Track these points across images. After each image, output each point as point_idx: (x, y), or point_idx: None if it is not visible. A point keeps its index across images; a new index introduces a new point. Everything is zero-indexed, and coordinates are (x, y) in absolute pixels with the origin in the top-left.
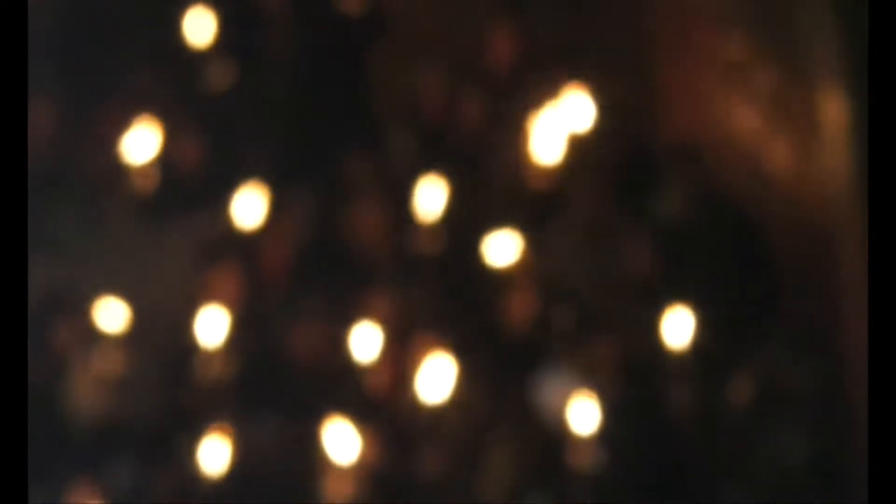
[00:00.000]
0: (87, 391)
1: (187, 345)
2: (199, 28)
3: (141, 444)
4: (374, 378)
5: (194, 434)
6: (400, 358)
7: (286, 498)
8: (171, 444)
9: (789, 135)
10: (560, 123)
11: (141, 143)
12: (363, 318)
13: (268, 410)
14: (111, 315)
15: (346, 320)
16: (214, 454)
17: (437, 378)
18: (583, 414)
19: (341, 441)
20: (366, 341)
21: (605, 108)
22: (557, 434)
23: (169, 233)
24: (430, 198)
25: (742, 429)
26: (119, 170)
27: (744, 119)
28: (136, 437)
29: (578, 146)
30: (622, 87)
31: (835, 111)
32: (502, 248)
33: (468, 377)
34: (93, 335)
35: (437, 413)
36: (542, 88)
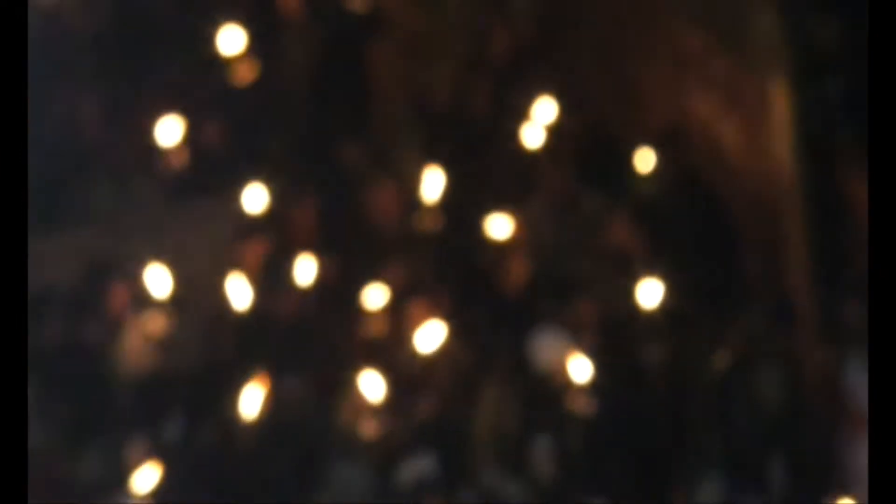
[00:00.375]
0: (137, 350)
1: (222, 307)
2: (228, 34)
3: (187, 397)
4: (379, 329)
5: (233, 386)
6: (402, 316)
7: (317, 439)
8: (213, 396)
9: (741, 119)
10: (547, 113)
11: (174, 130)
12: (374, 282)
13: (295, 363)
14: (157, 281)
15: (359, 284)
16: (252, 403)
17: (432, 333)
18: (577, 366)
19: (365, 386)
20: (374, 301)
21: (585, 100)
22: (546, 382)
23: (203, 209)
24: (432, 182)
25: (709, 379)
26: (156, 153)
27: (703, 106)
28: (183, 391)
29: (562, 133)
30: (600, 80)
31: (779, 97)
32: (497, 224)
33: (463, 333)
34: (141, 300)
35: (432, 361)
36: (531, 81)
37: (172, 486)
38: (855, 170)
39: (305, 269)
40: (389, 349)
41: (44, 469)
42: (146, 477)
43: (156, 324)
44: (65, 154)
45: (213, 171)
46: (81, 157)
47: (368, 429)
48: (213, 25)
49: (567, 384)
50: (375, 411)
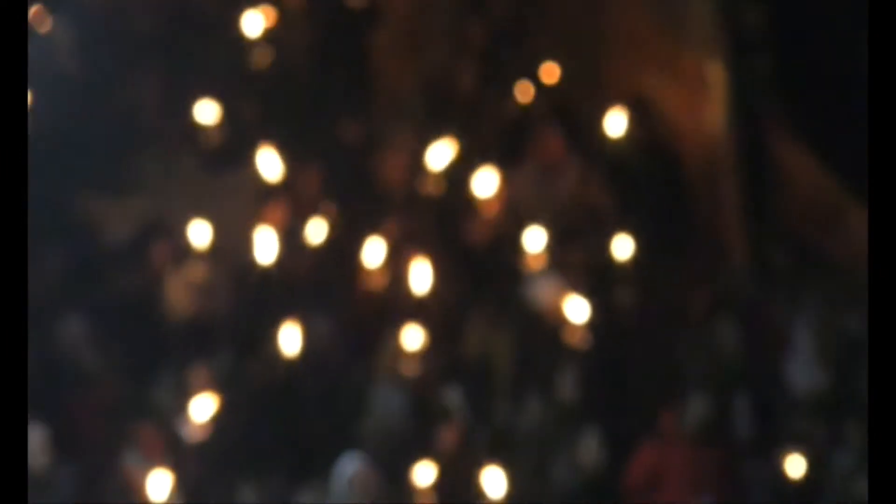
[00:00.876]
0: (180, 297)
1: (252, 259)
2: (251, 23)
3: (229, 337)
4: (377, 277)
5: (271, 326)
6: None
7: (347, 371)
8: (252, 336)
9: (684, 92)
10: (525, 91)
11: (211, 111)
12: (374, 235)
13: (317, 305)
14: (198, 235)
15: (362, 235)
16: (291, 341)
17: (423, 276)
18: (573, 306)
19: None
20: (374, 252)
21: (564, 74)
22: (544, 320)
23: (234, 175)
24: (437, 152)
25: (676, 319)
26: (198, 130)
27: (653, 81)
28: (225, 332)
29: (546, 99)
30: (568, 62)
31: (715, 73)
32: (485, 183)
33: (448, 277)
34: (183, 252)
35: (422, 300)
36: (516, 59)
37: (227, 415)
38: (780, 134)
39: (316, 229)
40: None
41: (112, 400)
42: (203, 405)
43: (196, 273)
44: (124, 133)
45: (241, 144)
46: (137, 135)
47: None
48: (238, 12)
49: (564, 322)
50: (411, 355)
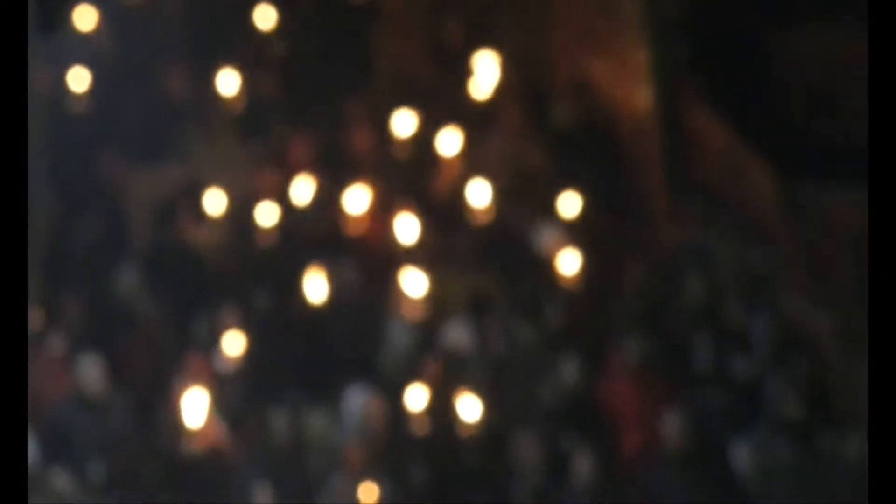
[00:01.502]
0: (205, 246)
1: (272, 213)
2: (264, 16)
3: (256, 285)
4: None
5: (293, 275)
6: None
7: (363, 311)
8: (279, 283)
9: (616, 70)
10: (492, 73)
11: (234, 84)
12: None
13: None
14: (215, 201)
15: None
16: (315, 286)
17: (408, 228)
18: (568, 260)
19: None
20: (358, 202)
21: (518, 62)
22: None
23: (245, 146)
24: (403, 124)
25: (616, 271)
26: (219, 105)
27: (593, 62)
28: (253, 282)
29: (505, 89)
30: (527, 47)
31: (640, 54)
32: (449, 143)
33: (429, 229)
34: (203, 215)
35: (410, 250)
36: (479, 51)
37: (260, 349)
38: (697, 105)
39: (303, 189)
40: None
41: (156, 337)
42: (234, 341)
43: (213, 234)
44: (159, 109)
45: (258, 119)
46: (170, 111)
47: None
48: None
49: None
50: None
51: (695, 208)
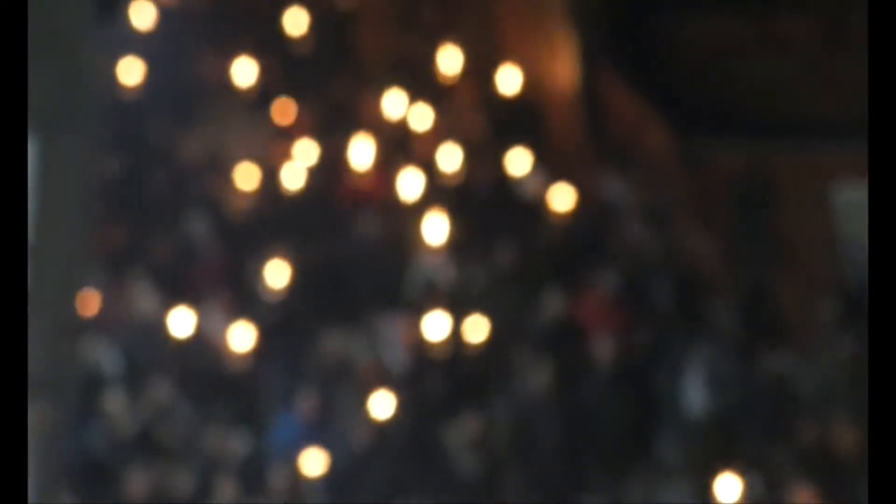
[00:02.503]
0: (231, 207)
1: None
2: (295, 23)
3: (285, 233)
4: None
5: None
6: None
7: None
8: (315, 228)
9: (544, 59)
10: (454, 64)
11: (249, 73)
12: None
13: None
14: (246, 175)
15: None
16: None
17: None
18: (560, 197)
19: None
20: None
21: (470, 45)
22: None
23: (258, 120)
24: (392, 104)
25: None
26: (236, 91)
27: (530, 51)
28: (292, 224)
29: (463, 62)
30: (477, 42)
31: (566, 45)
32: (420, 116)
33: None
34: (229, 186)
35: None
36: (445, 45)
37: (297, 282)
38: (610, 79)
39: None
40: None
41: (216, 267)
42: (277, 272)
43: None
44: (186, 91)
45: (268, 95)
46: (197, 94)
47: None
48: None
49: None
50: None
51: (610, 160)
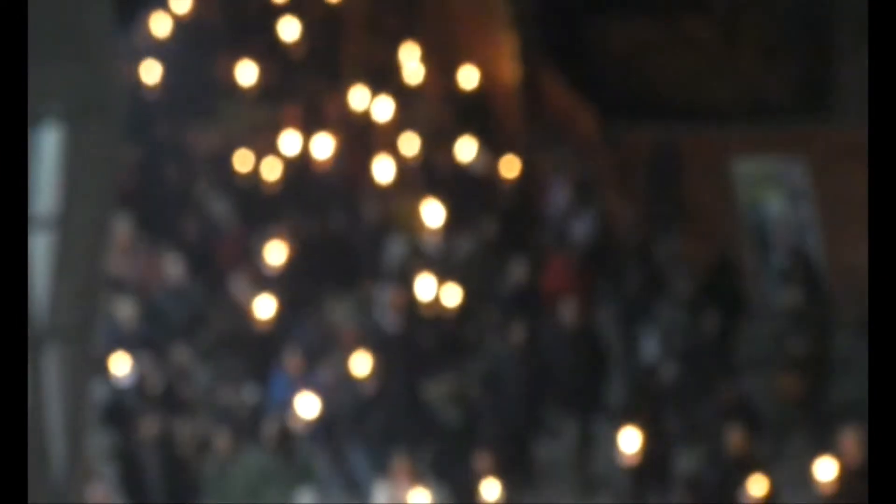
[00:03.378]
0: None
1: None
2: (288, 30)
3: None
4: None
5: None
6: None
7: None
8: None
9: (490, 54)
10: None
11: (251, 73)
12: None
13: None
14: (241, 159)
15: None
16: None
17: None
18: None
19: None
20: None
21: (430, 44)
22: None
23: (263, 108)
24: (357, 98)
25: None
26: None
27: (481, 45)
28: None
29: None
30: (435, 40)
31: (508, 42)
32: (384, 107)
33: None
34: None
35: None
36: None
37: (299, 256)
38: (546, 74)
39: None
40: None
41: (237, 239)
42: (276, 251)
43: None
44: (198, 83)
45: (266, 95)
46: (209, 83)
47: None
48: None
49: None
50: None
51: (545, 142)
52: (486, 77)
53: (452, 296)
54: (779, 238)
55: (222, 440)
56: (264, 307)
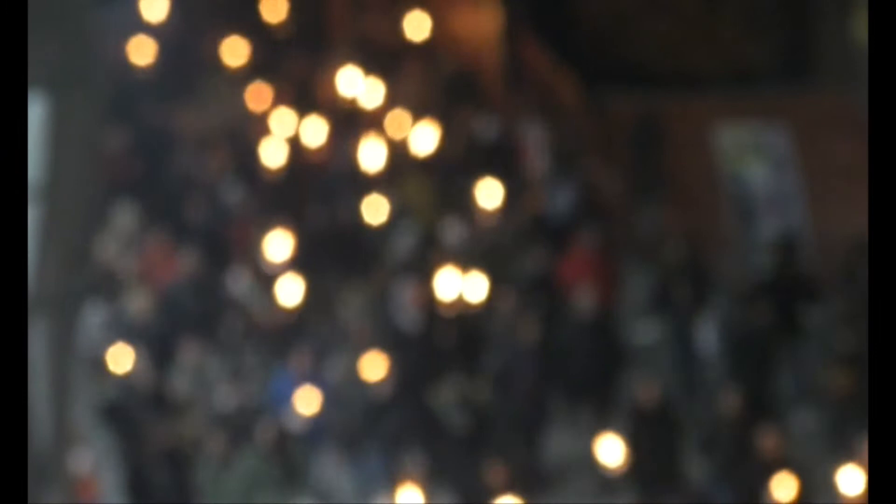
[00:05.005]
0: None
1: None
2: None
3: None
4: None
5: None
6: None
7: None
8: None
9: (475, 32)
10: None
11: (240, 51)
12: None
13: None
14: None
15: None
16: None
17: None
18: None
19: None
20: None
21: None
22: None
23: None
24: (347, 81)
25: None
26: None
27: (466, 20)
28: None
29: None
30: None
31: (491, 20)
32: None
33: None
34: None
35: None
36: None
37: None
38: (529, 46)
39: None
40: None
41: (248, 222)
42: (280, 246)
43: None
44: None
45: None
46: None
47: None
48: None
49: None
50: None
51: (529, 109)
52: (471, 50)
53: (476, 288)
54: (763, 206)
55: (218, 442)
56: (287, 294)
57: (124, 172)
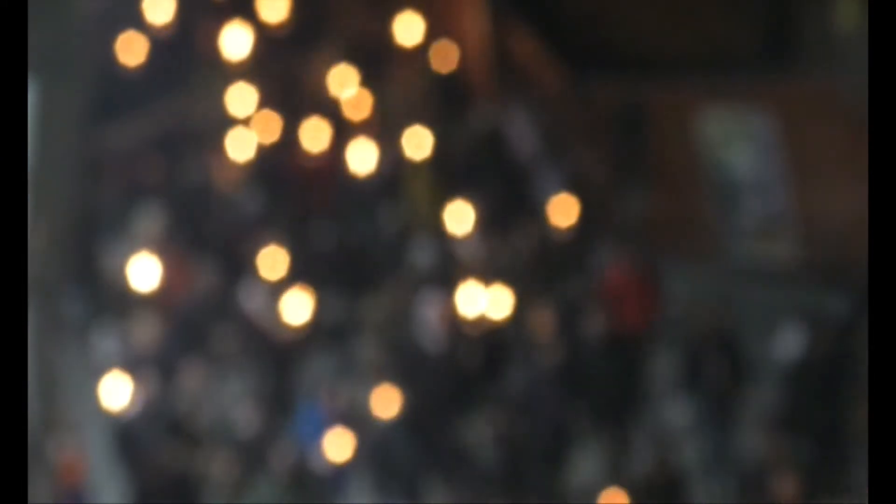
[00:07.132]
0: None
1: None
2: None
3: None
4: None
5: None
6: None
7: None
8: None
9: (465, 31)
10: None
11: (240, 40)
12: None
13: None
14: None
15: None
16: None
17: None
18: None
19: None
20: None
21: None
22: None
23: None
24: (342, 78)
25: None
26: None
27: (455, 25)
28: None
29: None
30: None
31: (480, 20)
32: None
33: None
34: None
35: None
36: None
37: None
38: (515, 33)
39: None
40: None
41: (261, 225)
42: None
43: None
44: (193, 58)
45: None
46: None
47: None
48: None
49: None
50: None
51: (516, 96)
52: (458, 41)
53: (500, 305)
54: (746, 191)
55: (230, 470)
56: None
57: (142, 173)
